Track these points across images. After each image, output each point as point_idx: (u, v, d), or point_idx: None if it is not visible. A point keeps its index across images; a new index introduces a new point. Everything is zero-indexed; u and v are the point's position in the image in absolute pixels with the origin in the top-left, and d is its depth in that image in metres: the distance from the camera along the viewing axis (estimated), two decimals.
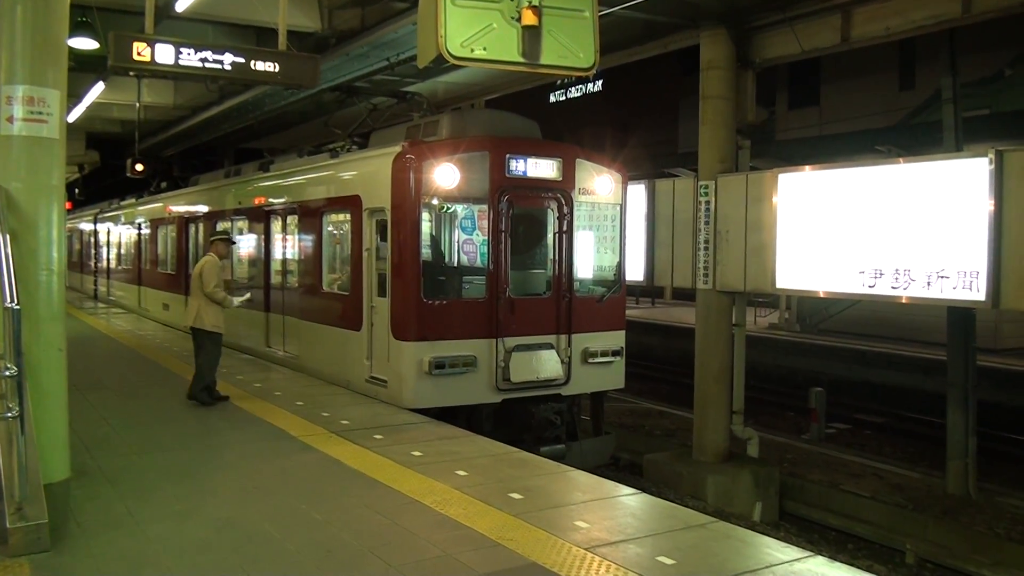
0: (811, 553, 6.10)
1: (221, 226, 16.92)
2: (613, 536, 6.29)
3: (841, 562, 6.22)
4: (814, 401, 16.79)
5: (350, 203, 11.93)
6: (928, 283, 10.54)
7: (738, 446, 14.03)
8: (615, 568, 5.62)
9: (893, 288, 10.97)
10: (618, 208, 12.24)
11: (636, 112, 39.57)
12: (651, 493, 8.69)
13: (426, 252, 11.24)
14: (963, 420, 12.97)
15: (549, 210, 11.54)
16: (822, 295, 12.78)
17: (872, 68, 27.30)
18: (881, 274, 11.08)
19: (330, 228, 13.01)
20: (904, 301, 11.09)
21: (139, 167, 21.72)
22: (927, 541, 11.81)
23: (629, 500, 7.48)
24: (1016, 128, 18.64)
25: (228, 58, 9.77)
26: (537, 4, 7.86)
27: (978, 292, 10.02)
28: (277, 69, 10.13)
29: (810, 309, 26.29)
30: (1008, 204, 9.79)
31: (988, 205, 9.87)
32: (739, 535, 6.53)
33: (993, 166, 9.83)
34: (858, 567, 6.78)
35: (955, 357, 13.31)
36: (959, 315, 13.08)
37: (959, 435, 12.98)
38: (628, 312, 13.12)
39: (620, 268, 12.31)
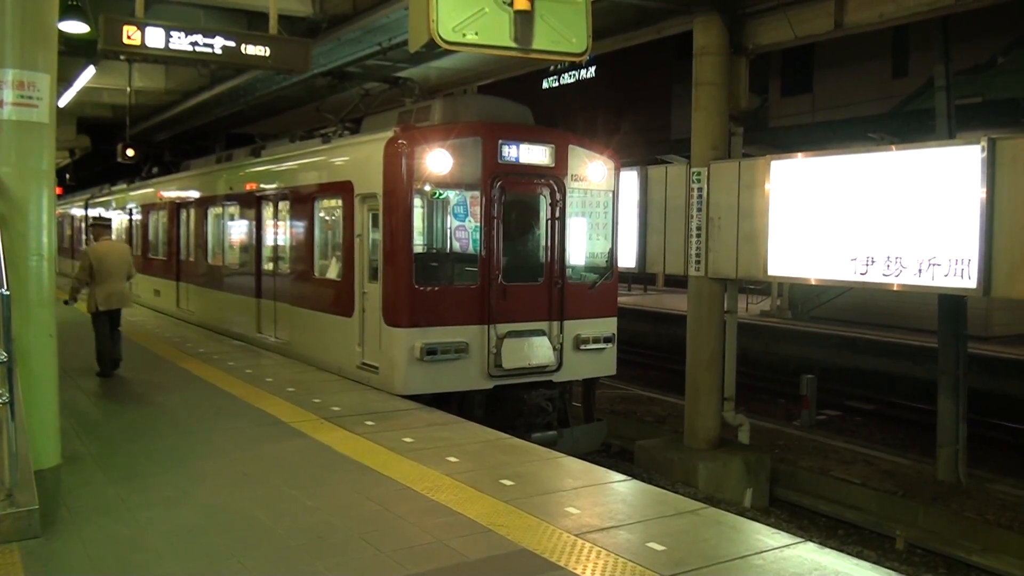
0: (801, 539, 6.12)
1: (204, 212, 16.98)
2: (604, 522, 6.30)
3: (831, 548, 6.24)
4: (805, 388, 16.83)
5: (342, 189, 11.90)
6: (920, 271, 10.54)
7: (729, 433, 14.06)
8: (605, 554, 5.64)
9: (885, 275, 10.97)
10: (610, 195, 12.23)
11: (629, 98, 39.54)
12: (642, 479, 8.71)
13: (418, 238, 11.22)
14: (954, 407, 13.01)
15: (541, 196, 11.52)
16: (814, 282, 12.79)
17: (865, 55, 27.29)
18: (873, 261, 11.08)
19: (322, 214, 12.98)
20: (896, 288, 11.09)
21: (130, 152, 21.66)
22: (917, 527, 11.87)
23: (620, 486, 7.50)
24: (1009, 116, 18.67)
25: (219, 42, 9.73)
26: None
27: (969, 280, 10.02)
28: (268, 53, 10.09)
29: (802, 296, 26.34)
30: (1000, 192, 9.78)
31: (980, 193, 9.86)
32: (729, 521, 6.55)
33: (985, 154, 9.81)
34: (848, 553, 6.81)
35: (946, 344, 13.34)
36: (950, 303, 13.10)
37: (949, 422, 13.02)
38: (620, 299, 13.12)
39: (612, 255, 12.30)
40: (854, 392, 19.68)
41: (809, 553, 5.81)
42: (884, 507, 12.41)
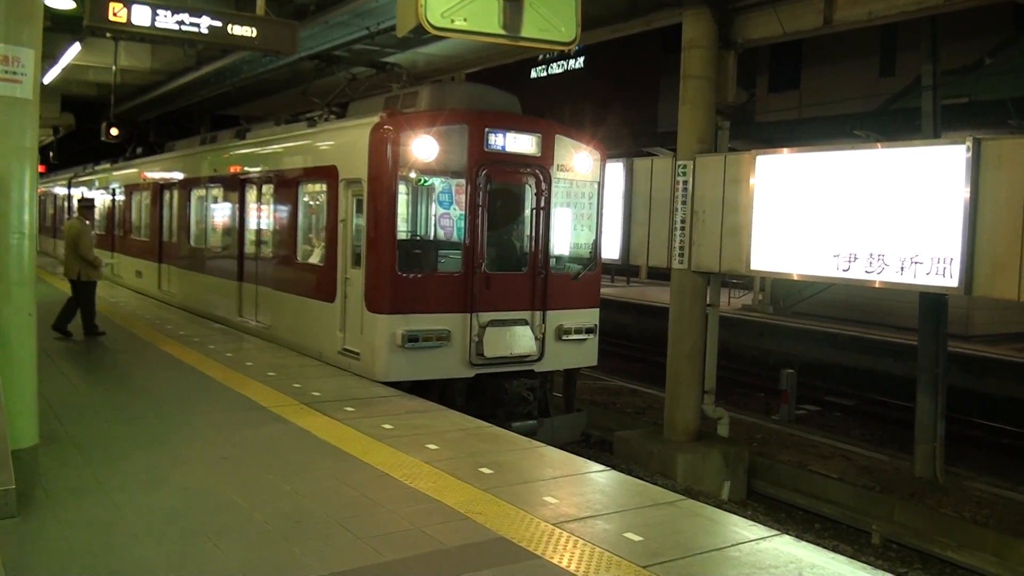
0: (777, 532, 6.14)
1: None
2: (581, 512, 6.31)
3: (807, 541, 6.26)
4: (785, 382, 16.89)
5: (326, 173, 11.85)
6: (902, 268, 10.59)
7: (708, 425, 14.10)
8: (582, 544, 5.65)
9: (867, 272, 11.01)
10: (596, 186, 12.23)
11: (617, 90, 39.53)
12: (621, 470, 8.72)
13: (402, 225, 11.19)
14: (932, 404, 13.08)
15: (527, 186, 11.50)
16: (796, 278, 12.82)
17: (853, 53, 27.33)
18: (855, 258, 11.12)
19: (306, 198, 12.92)
20: (877, 286, 11.12)
21: (114, 131, 21.48)
22: (893, 523, 11.94)
23: (598, 477, 7.51)
24: (994, 117, 18.74)
25: (205, 21, 9.67)
26: None
27: (951, 278, 10.08)
28: (255, 34, 10.03)
29: (784, 291, 26.43)
30: (983, 192, 9.84)
31: (964, 192, 9.91)
32: (707, 513, 6.58)
33: (970, 154, 9.86)
34: (824, 547, 6.84)
35: (926, 342, 13.41)
36: (931, 301, 13.17)
37: (928, 419, 13.10)
38: (603, 290, 13.14)
39: (596, 246, 12.31)
40: (834, 388, 19.77)
41: (785, 546, 5.84)
42: (861, 502, 12.48)
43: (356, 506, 6.32)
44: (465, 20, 7.74)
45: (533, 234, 11.46)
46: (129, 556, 5.33)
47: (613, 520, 6.19)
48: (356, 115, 12.53)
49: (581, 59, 40.31)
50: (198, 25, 9.67)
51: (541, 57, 39.88)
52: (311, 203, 12.88)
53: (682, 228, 13.45)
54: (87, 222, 14.25)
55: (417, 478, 6.93)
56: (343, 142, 11.89)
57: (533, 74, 42.66)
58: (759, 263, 12.49)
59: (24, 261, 7.15)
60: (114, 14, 9.22)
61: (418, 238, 11.97)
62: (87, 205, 15.01)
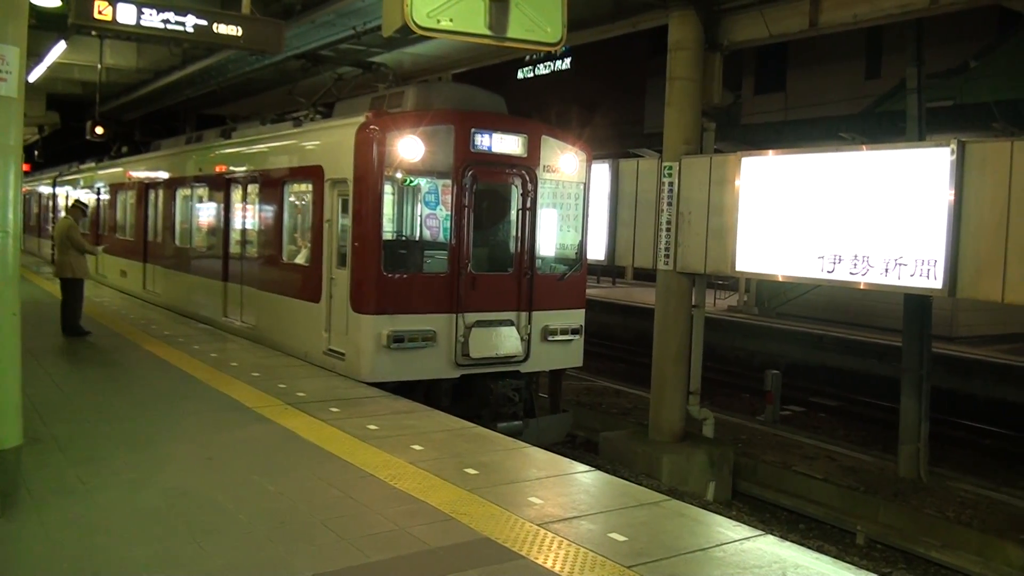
0: (762, 532, 6.15)
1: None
2: (566, 512, 6.31)
3: (791, 541, 6.28)
4: (770, 383, 16.93)
5: (312, 173, 11.83)
6: (886, 270, 10.62)
7: (693, 426, 14.12)
8: (567, 544, 5.65)
9: (852, 274, 11.04)
10: (582, 187, 12.24)
11: (603, 91, 39.60)
12: (606, 471, 8.73)
13: (388, 225, 11.17)
14: (916, 405, 13.14)
15: (513, 186, 11.51)
16: (781, 279, 12.84)
17: (839, 56, 27.46)
18: (840, 260, 11.16)
19: (291, 198, 12.89)
20: (862, 287, 11.16)
21: (99, 130, 21.40)
22: (878, 523, 11.99)
23: (583, 477, 7.51)
24: (979, 120, 18.81)
25: (191, 20, 9.63)
26: None
27: (935, 280, 10.11)
28: (240, 33, 10.00)
29: (769, 293, 26.52)
30: (968, 194, 9.88)
31: (948, 195, 9.95)
32: (691, 513, 6.59)
33: (955, 157, 9.90)
34: (808, 547, 6.86)
35: (910, 343, 13.47)
36: (916, 302, 13.23)
37: (912, 420, 13.16)
38: (588, 291, 13.15)
39: (582, 247, 12.32)
40: (819, 388, 19.84)
41: (770, 546, 5.86)
42: (845, 502, 12.52)
43: (341, 506, 6.31)
44: (451, 20, 7.73)
45: (519, 235, 11.47)
46: (112, 557, 5.31)
47: (598, 520, 6.20)
48: (342, 115, 12.51)
49: (568, 60, 40.36)
50: (184, 24, 9.64)
51: (528, 58, 39.94)
52: (297, 203, 12.86)
53: (668, 229, 13.47)
54: (75, 220, 14.41)
55: (402, 479, 6.93)
56: (329, 142, 11.86)
57: (520, 75, 42.71)
58: (744, 264, 12.52)
59: (7, 260, 7.09)
60: (99, 12, 9.18)
61: (404, 238, 11.96)
62: (77, 206, 15.28)
